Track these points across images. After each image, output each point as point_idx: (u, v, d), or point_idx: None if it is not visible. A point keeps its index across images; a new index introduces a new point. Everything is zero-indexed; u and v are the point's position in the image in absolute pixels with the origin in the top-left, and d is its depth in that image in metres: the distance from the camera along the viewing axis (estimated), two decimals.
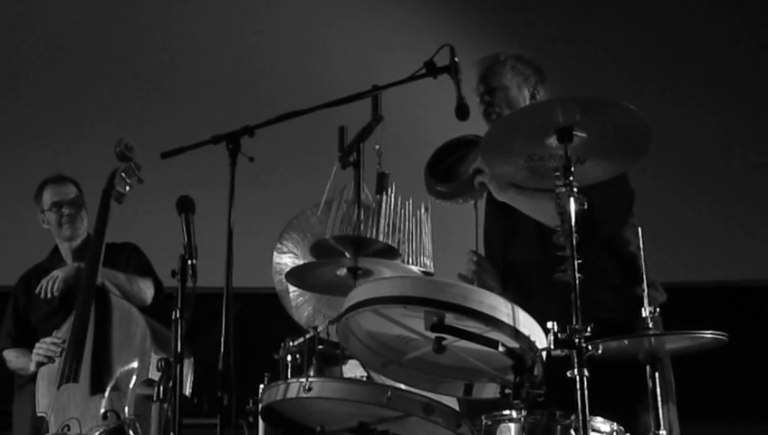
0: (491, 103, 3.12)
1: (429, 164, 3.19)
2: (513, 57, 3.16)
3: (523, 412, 2.32)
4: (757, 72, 5.51)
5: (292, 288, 3.29)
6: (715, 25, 5.56)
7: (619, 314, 2.83)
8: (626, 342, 2.56)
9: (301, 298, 3.35)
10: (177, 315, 2.66)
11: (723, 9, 5.59)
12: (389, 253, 2.88)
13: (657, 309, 2.61)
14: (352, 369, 3.02)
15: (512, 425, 2.34)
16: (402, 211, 3.09)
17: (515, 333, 2.29)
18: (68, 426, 3.48)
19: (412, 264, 3.04)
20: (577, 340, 2.30)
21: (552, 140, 2.44)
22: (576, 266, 2.35)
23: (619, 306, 2.89)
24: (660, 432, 2.58)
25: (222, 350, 2.65)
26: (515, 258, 3.15)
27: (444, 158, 3.17)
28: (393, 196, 3.09)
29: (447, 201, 3.15)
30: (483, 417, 2.39)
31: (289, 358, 2.97)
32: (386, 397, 2.32)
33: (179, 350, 2.63)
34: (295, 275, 2.98)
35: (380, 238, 3.00)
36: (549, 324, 2.32)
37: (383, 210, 3.05)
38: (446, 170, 3.16)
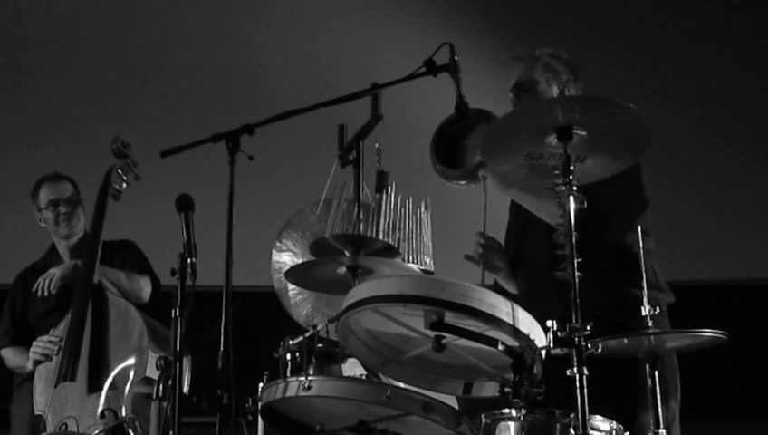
0: (519, 96, 3.13)
1: (434, 139, 3.15)
2: (548, 54, 3.16)
3: (523, 411, 2.32)
4: (758, 72, 5.51)
5: (291, 287, 3.29)
6: (715, 24, 5.57)
7: (618, 314, 2.83)
8: (625, 340, 2.57)
9: (300, 297, 3.34)
10: (177, 314, 2.66)
11: (724, 8, 5.59)
12: (389, 251, 2.88)
13: (657, 309, 2.61)
14: (352, 367, 3.01)
15: (511, 424, 2.34)
16: (402, 210, 3.08)
17: (515, 332, 2.29)
18: (65, 425, 3.47)
19: (412, 262, 3.04)
20: (576, 338, 2.30)
21: (552, 139, 2.44)
22: (576, 265, 2.36)
23: (618, 307, 2.89)
24: (659, 431, 2.58)
25: (221, 348, 2.65)
26: (525, 254, 3.16)
27: (449, 128, 3.14)
28: (393, 194, 3.08)
29: (449, 182, 3.13)
30: (482, 415, 2.39)
31: (288, 356, 2.97)
32: (385, 395, 2.32)
33: (179, 348, 2.63)
34: (295, 274, 2.98)
35: (380, 237, 2.99)
36: (548, 323, 2.32)
37: (383, 209, 3.05)
38: (451, 141, 3.12)
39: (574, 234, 2.38)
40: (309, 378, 2.39)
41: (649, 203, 3.12)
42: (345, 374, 2.93)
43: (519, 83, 3.14)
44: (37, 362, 3.70)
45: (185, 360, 3.08)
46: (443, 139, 3.13)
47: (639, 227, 2.75)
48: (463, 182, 3.11)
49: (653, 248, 3.06)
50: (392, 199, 3.07)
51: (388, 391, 2.33)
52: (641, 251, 2.66)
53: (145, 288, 3.88)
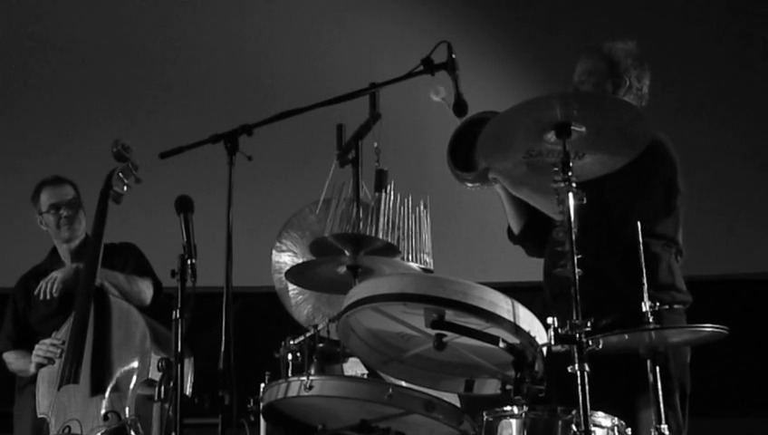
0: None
1: (451, 142, 3.13)
2: (608, 46, 3.13)
3: (525, 408, 2.32)
4: (757, 68, 5.51)
5: (291, 287, 3.29)
6: (716, 23, 5.56)
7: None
8: (626, 336, 2.57)
9: (300, 296, 3.35)
10: (177, 315, 2.66)
11: (724, 8, 5.59)
12: (389, 250, 2.89)
13: (667, 306, 2.62)
14: (353, 367, 3.02)
15: (513, 421, 2.34)
16: (401, 208, 3.09)
17: (516, 329, 2.30)
18: (69, 427, 3.47)
19: (412, 261, 3.04)
20: (577, 335, 2.30)
21: (551, 136, 2.44)
22: (575, 262, 2.35)
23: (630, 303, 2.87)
24: (661, 427, 2.58)
25: (222, 349, 2.65)
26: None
27: (463, 137, 3.12)
28: (392, 193, 3.09)
29: (464, 184, 3.12)
30: (484, 413, 2.40)
31: (289, 356, 2.97)
32: (387, 394, 2.33)
33: (180, 350, 2.63)
34: (295, 274, 2.99)
35: (380, 236, 3.00)
36: (549, 320, 2.33)
37: (382, 208, 3.05)
38: (468, 143, 3.10)
39: (574, 230, 2.38)
40: (310, 378, 2.40)
41: (679, 209, 3.08)
42: (346, 374, 2.94)
43: (578, 80, 3.13)
44: (40, 366, 3.70)
45: (187, 361, 3.09)
46: (461, 141, 3.12)
47: (642, 226, 2.72)
48: (477, 184, 3.09)
49: (672, 252, 3.05)
50: (391, 198, 3.07)
51: (390, 390, 2.34)
52: (641, 247, 2.65)
53: (146, 291, 3.88)
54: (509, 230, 3.29)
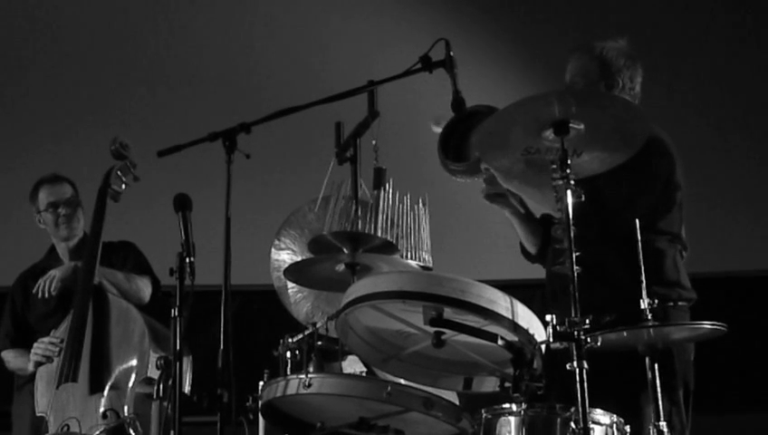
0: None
1: (441, 138, 3.12)
2: (600, 45, 3.09)
3: (523, 405, 2.32)
4: (758, 65, 5.51)
5: (290, 285, 3.30)
6: (717, 19, 5.56)
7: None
8: (625, 333, 2.57)
9: (299, 294, 3.35)
10: (176, 313, 2.66)
11: (724, 5, 5.60)
12: (388, 248, 2.89)
13: (670, 303, 2.62)
14: (352, 364, 3.02)
15: (512, 418, 2.34)
16: (400, 206, 3.09)
17: (514, 327, 2.30)
18: (67, 426, 3.47)
19: (410, 259, 3.04)
20: (576, 332, 2.30)
21: (549, 133, 2.44)
22: (574, 259, 2.36)
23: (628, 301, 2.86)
24: (660, 424, 2.58)
25: (221, 347, 2.65)
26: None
27: (455, 129, 3.11)
28: (390, 191, 3.09)
29: (455, 177, 3.10)
30: (483, 411, 2.40)
31: (288, 354, 2.97)
32: (386, 392, 2.33)
33: (178, 348, 2.63)
34: (294, 272, 2.99)
35: (378, 234, 3.00)
36: (548, 317, 2.33)
37: (381, 206, 3.05)
38: (460, 137, 3.08)
39: (573, 228, 2.38)
40: (309, 376, 2.40)
41: (681, 205, 3.05)
42: (345, 371, 2.94)
43: (570, 80, 3.10)
44: (38, 364, 3.70)
45: (185, 359, 3.09)
46: (452, 133, 3.10)
47: (643, 222, 2.71)
48: (467, 176, 3.07)
49: (677, 248, 3.03)
50: (390, 196, 3.08)
51: (389, 388, 2.34)
52: (639, 244, 2.64)
53: (145, 289, 3.88)
54: (522, 249, 3.28)
